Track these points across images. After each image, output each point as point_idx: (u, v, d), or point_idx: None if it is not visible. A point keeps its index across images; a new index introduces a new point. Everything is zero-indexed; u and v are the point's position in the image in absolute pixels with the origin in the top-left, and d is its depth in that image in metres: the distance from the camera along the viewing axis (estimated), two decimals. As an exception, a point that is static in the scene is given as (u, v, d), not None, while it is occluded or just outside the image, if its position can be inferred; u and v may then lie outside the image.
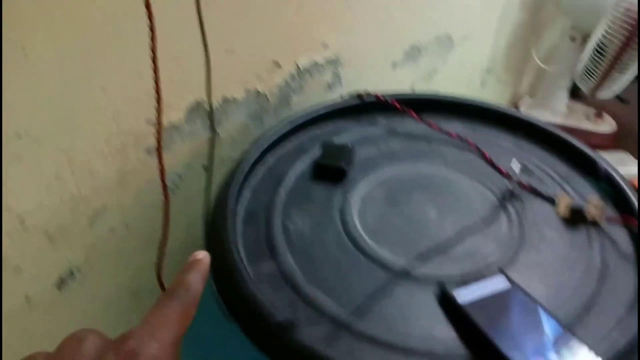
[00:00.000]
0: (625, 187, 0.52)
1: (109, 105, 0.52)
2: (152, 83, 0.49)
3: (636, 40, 0.94)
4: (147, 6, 0.41)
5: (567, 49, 1.11)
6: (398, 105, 0.62)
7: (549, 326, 0.40)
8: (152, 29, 0.42)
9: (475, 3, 0.94)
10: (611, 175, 0.53)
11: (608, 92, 1.07)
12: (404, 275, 0.46)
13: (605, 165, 0.54)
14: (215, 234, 0.49)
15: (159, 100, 0.47)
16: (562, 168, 0.57)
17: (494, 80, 1.16)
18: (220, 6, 0.56)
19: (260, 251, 0.49)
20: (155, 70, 0.45)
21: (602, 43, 0.98)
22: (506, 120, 0.62)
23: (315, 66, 0.70)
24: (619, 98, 1.34)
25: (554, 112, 1.21)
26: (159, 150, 0.50)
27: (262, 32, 0.62)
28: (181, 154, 0.62)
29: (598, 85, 1.03)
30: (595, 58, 1.02)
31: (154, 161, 0.59)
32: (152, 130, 0.57)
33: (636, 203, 0.51)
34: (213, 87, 0.61)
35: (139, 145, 0.57)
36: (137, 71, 0.51)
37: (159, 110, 0.47)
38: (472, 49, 0.99)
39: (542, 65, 1.15)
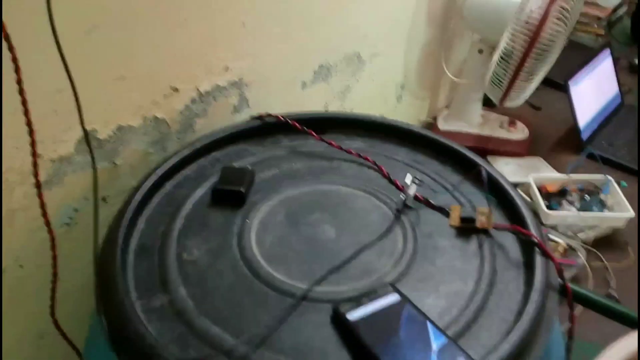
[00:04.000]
0: (513, 194, 0.54)
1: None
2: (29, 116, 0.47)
3: (536, 49, 0.99)
4: (6, 38, 0.39)
5: (476, 62, 1.15)
6: (298, 126, 0.63)
7: (434, 338, 0.40)
8: (14, 61, 0.41)
9: (382, 21, 0.96)
10: (499, 183, 0.55)
11: (516, 101, 1.12)
12: (301, 299, 0.46)
13: (495, 175, 0.56)
14: (104, 270, 0.47)
15: (31, 133, 0.45)
16: (456, 179, 0.59)
17: (410, 96, 1.19)
18: (107, 33, 0.55)
19: (152, 285, 0.47)
20: (24, 103, 0.43)
21: (505, 54, 1.03)
22: (403, 136, 0.64)
23: (218, 89, 0.70)
24: (531, 105, 1.41)
25: (469, 122, 1.25)
26: (37, 185, 0.48)
27: (155, 57, 0.61)
28: (76, 186, 0.59)
29: (505, 95, 1.08)
30: (501, 68, 1.06)
31: (45, 195, 0.56)
32: (39, 163, 0.55)
33: (522, 209, 0.52)
34: (106, 115, 0.59)
35: (25, 181, 0.54)
36: (14, 107, 0.49)
37: (33, 144, 0.46)
38: (383, 66, 1.01)
39: (454, 79, 1.19)
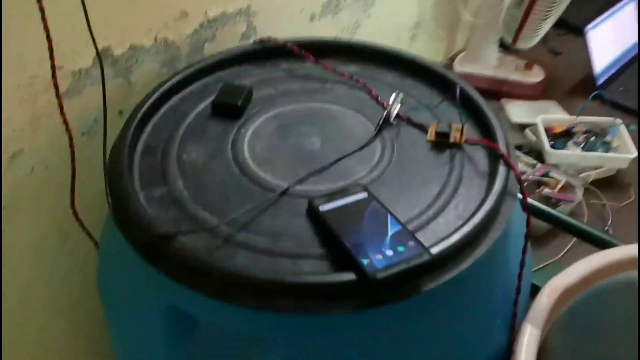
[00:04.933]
0: (488, 113, 0.58)
1: (13, 51, 0.56)
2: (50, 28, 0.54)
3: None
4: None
5: (493, 1, 1.15)
6: (296, 49, 0.67)
7: (391, 228, 0.46)
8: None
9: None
10: (477, 102, 0.59)
11: (529, 41, 1.13)
12: (281, 194, 0.52)
13: (473, 95, 0.60)
14: (112, 164, 0.54)
15: (49, 41, 0.51)
16: (438, 99, 0.62)
17: (425, 36, 1.21)
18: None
19: (154, 179, 0.54)
20: (42, 10, 0.49)
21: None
22: (394, 60, 0.67)
23: (226, 16, 0.74)
24: (551, 50, 1.41)
25: (485, 64, 1.27)
26: (57, 93, 0.54)
27: (166, -19, 0.66)
28: (94, 98, 0.66)
29: (517, 34, 1.09)
30: (515, 8, 1.07)
31: (65, 104, 0.63)
32: (59, 74, 0.62)
33: (494, 126, 0.56)
34: (120, 34, 0.65)
35: (49, 89, 0.61)
36: (37, 19, 0.55)
37: (51, 55, 0.52)
38: (395, 2, 1.03)
39: (470, 19, 1.20)
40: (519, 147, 1.09)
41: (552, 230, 0.92)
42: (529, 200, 0.63)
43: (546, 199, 0.95)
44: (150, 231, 0.47)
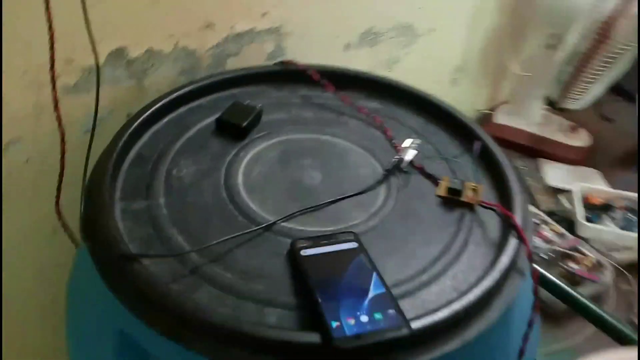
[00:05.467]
0: (508, 176, 0.52)
1: (21, 39, 0.54)
2: (62, 21, 0.52)
3: (606, 47, 0.93)
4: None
5: (544, 56, 1.09)
6: (315, 77, 0.63)
7: (374, 289, 0.41)
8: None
9: (443, -4, 0.94)
10: (498, 161, 0.53)
11: (577, 102, 1.06)
12: (265, 229, 0.47)
13: (496, 153, 0.54)
14: (96, 170, 0.51)
15: (52, 34, 0.49)
16: (457, 151, 0.57)
17: (467, 82, 1.15)
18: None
19: (137, 191, 0.50)
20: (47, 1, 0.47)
21: (574, 50, 0.98)
22: (419, 102, 0.63)
23: (254, 33, 0.72)
24: (602, 116, 1.33)
25: (528, 120, 1.20)
26: (53, 85, 0.52)
27: (194, -11, 0.63)
28: (104, 98, 0.64)
29: (565, 92, 1.03)
30: (566, 66, 1.01)
31: (70, 98, 0.61)
32: (68, 68, 0.60)
33: (513, 190, 0.51)
34: (139, 36, 0.63)
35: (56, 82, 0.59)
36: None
37: (52, 46, 0.50)
38: (438, 43, 0.99)
39: (518, 72, 1.14)
40: (550, 214, 1.02)
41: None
42: (545, 274, 0.57)
43: (571, 275, 0.87)
44: (114, 248, 0.43)
